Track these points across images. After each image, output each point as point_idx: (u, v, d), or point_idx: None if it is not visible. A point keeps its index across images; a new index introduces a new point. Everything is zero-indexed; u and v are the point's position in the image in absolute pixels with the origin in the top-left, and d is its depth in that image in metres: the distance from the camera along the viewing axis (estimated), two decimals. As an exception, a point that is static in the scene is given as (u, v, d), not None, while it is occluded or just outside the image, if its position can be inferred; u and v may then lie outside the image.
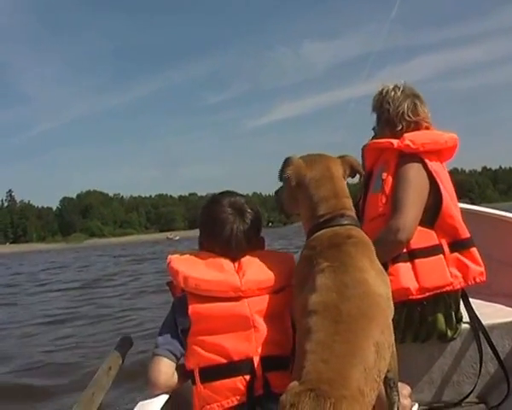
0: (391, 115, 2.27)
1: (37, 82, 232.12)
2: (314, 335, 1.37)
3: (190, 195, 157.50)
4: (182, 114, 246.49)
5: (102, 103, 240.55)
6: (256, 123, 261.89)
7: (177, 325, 1.66)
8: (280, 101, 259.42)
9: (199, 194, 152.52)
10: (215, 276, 1.63)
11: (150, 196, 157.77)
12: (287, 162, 1.72)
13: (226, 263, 1.68)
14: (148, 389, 1.67)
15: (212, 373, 1.59)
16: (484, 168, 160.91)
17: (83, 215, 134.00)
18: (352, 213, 1.66)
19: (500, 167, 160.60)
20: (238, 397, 1.58)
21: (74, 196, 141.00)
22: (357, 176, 1.80)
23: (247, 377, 1.58)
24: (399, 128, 2.26)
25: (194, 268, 1.66)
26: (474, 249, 2.19)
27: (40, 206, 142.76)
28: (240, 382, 1.58)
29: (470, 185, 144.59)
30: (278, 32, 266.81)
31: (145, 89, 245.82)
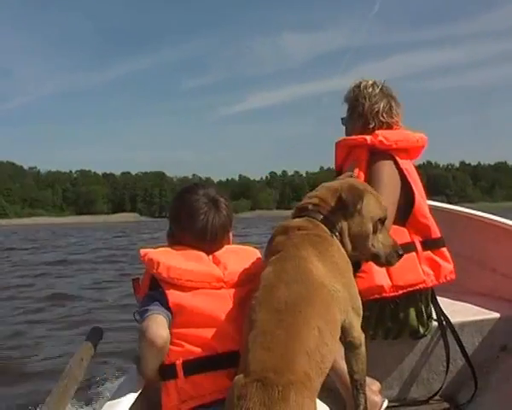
0: (365, 111, 2.28)
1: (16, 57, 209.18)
2: (256, 324, 1.39)
3: (123, 174, 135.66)
4: (156, 96, 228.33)
5: (74, 82, 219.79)
6: (230, 110, 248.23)
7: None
8: (255, 90, 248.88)
9: (133, 173, 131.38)
10: (196, 267, 1.61)
11: (70, 172, 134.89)
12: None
13: (203, 255, 1.67)
14: (142, 346, 1.55)
15: (195, 366, 1.54)
16: (462, 163, 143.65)
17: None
18: (319, 207, 1.64)
19: (479, 163, 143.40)
20: (221, 391, 1.50)
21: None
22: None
23: (232, 370, 1.49)
24: (372, 126, 2.27)
25: (174, 259, 1.62)
26: (444, 249, 2.24)
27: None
28: (224, 376, 1.53)
29: (446, 181, 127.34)
30: (258, 21, 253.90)
31: (121, 70, 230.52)
